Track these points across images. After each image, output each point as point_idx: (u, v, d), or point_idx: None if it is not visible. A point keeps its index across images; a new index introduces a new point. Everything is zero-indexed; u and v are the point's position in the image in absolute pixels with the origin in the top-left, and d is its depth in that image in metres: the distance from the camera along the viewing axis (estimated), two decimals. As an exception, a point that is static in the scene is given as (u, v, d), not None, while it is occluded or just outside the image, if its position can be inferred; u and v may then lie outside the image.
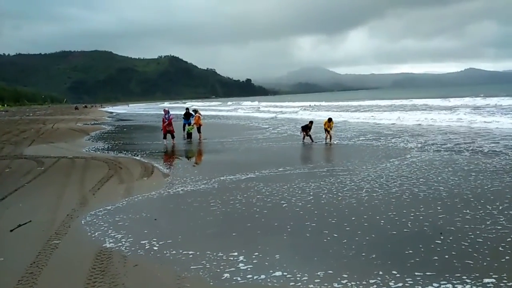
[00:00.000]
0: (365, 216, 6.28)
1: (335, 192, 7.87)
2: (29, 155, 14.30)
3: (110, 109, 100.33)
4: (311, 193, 7.83)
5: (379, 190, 7.87)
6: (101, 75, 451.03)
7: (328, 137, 16.59)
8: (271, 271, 4.46)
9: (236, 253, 4.96)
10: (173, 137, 17.72)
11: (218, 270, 4.53)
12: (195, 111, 20.28)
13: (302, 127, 17.46)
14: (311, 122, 17.45)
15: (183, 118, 20.53)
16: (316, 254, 4.91)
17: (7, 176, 10.58)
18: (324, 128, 16.84)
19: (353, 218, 6.22)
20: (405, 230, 5.64)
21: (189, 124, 19.76)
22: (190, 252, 5.04)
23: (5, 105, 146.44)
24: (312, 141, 16.54)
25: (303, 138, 16.97)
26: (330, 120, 17.11)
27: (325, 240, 5.35)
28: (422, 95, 65.89)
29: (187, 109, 21.60)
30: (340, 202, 7.21)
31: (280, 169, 10.38)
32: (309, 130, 16.87)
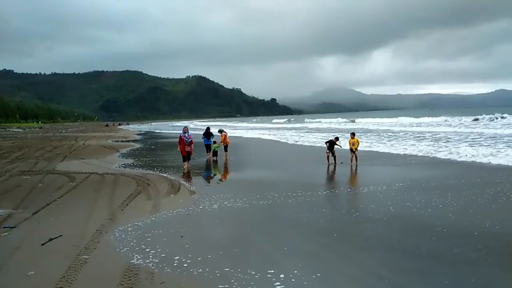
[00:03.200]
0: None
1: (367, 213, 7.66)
2: (61, 171, 14.76)
3: (131, 127, 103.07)
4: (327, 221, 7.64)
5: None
6: (131, 94, 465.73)
7: (354, 157, 15.26)
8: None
9: (266, 272, 4.87)
10: (189, 159, 15.55)
11: (245, 291, 4.45)
12: (221, 130, 20.29)
13: (327, 142, 15.99)
14: (336, 138, 16.06)
15: (203, 138, 19.67)
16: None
17: (40, 191, 10.92)
18: (349, 148, 15.46)
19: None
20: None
21: (210, 144, 19.16)
22: (217, 271, 4.99)
23: (40, 122, 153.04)
24: (336, 162, 15.30)
25: (328, 157, 15.61)
26: (353, 135, 15.80)
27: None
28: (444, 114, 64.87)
29: (207, 128, 20.54)
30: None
31: (304, 192, 10.25)
32: (333, 148, 15.54)
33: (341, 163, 15.37)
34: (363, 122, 62.94)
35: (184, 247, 5.98)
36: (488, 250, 5.54)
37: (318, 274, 4.83)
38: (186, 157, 15.44)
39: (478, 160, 14.90)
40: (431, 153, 17.59)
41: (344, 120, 75.16)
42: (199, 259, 5.47)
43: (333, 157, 15.62)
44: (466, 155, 16.13)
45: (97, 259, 5.63)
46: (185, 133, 15.65)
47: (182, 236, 6.52)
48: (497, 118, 43.99)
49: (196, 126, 78.39)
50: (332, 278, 4.74)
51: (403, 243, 6.00)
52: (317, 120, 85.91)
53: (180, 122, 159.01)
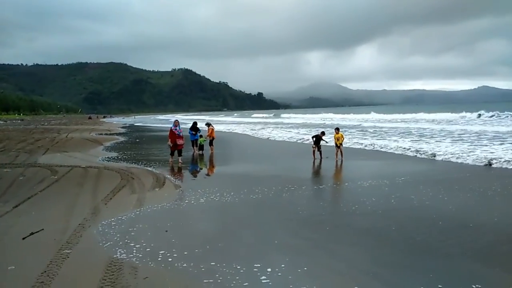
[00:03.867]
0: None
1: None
2: (43, 164, 14.46)
3: (115, 120, 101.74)
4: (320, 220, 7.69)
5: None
6: (115, 86, 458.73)
7: (339, 152, 15.38)
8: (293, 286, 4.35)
9: (252, 266, 4.87)
10: (180, 154, 15.17)
11: (232, 284, 4.44)
12: (208, 124, 20.19)
13: (313, 137, 16.04)
14: (323, 133, 16.10)
15: (190, 132, 19.00)
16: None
17: (21, 184, 10.68)
18: (334, 143, 15.65)
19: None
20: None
21: (197, 139, 18.89)
22: (202, 265, 4.97)
23: (21, 114, 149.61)
24: (321, 157, 15.36)
25: (313, 152, 15.66)
26: (337, 130, 15.81)
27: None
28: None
29: (194, 123, 19.86)
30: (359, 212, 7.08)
31: (291, 187, 10.29)
32: (319, 143, 15.61)
33: (326, 157, 15.46)
34: (348, 118, 63.43)
35: (169, 242, 5.92)
36: (469, 244, 5.66)
37: (305, 268, 4.84)
38: (177, 152, 15.07)
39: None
40: (413, 149, 17.81)
41: (320, 115, 75.61)
42: (184, 253, 5.43)
43: (319, 152, 15.72)
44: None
45: (80, 253, 5.53)
46: (176, 126, 15.30)
47: (166, 231, 6.46)
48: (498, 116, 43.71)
49: (179, 120, 77.66)
50: (318, 273, 4.77)
51: (388, 237, 6.07)
52: (297, 115, 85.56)
53: (164, 115, 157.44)
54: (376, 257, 5.25)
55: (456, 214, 7.23)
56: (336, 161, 14.93)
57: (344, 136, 16.45)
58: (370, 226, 6.65)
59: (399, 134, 27.12)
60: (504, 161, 12.84)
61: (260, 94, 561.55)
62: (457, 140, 20.84)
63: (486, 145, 17.82)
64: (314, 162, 14.95)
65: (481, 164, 13.09)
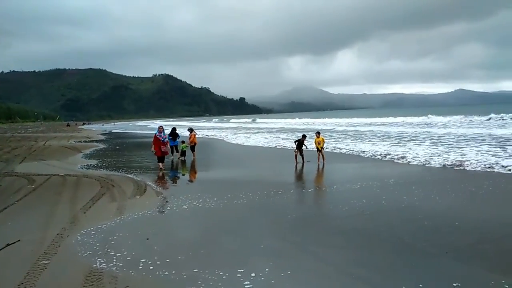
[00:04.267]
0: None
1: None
2: (20, 173, 14.07)
3: (94, 127, 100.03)
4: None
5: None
6: (95, 92, 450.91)
7: (320, 156, 15.49)
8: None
9: (236, 272, 4.84)
10: (163, 161, 14.90)
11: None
12: (190, 129, 20.12)
13: (296, 141, 16.16)
14: (304, 136, 16.24)
15: (168, 138, 17.93)
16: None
17: (-4, 194, 10.36)
18: (315, 147, 15.71)
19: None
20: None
21: (177, 145, 18.97)
22: (184, 273, 4.91)
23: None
24: (304, 161, 15.48)
25: (296, 156, 15.75)
26: (318, 134, 15.89)
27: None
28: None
29: (173, 129, 20.01)
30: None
31: (272, 191, 10.31)
32: (302, 147, 15.73)
33: (308, 161, 15.58)
34: (329, 122, 64.14)
35: (151, 250, 5.84)
36: (450, 244, 5.78)
37: (289, 272, 4.85)
38: (160, 158, 14.84)
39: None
40: (393, 153, 18.10)
41: (302, 120, 76.06)
42: (166, 261, 5.36)
43: (301, 156, 15.82)
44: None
45: (58, 264, 5.39)
46: (160, 132, 15.07)
47: (148, 238, 6.36)
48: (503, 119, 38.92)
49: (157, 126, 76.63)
50: (302, 276, 4.78)
51: (372, 238, 6.14)
52: (278, 120, 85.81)
53: (144, 121, 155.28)
54: (360, 259, 5.30)
55: (441, 215, 7.37)
56: (318, 164, 15.05)
57: (324, 140, 16.61)
58: (353, 228, 6.71)
59: (379, 137, 27.58)
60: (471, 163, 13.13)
61: (242, 99, 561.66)
62: (436, 143, 21.33)
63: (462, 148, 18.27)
64: (296, 166, 15.03)
65: (449, 167, 13.23)
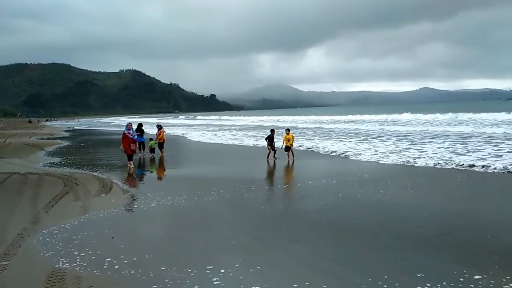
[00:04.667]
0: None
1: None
2: (-24, 171, 13.34)
3: (58, 124, 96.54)
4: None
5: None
6: (58, 88, 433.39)
7: (290, 153, 15.51)
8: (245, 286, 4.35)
9: (205, 269, 4.80)
10: (131, 158, 14.41)
11: (181, 289, 4.35)
12: (159, 126, 19.76)
13: (267, 138, 16.16)
14: (272, 131, 16.28)
15: (137, 135, 17.47)
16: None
17: (-50, 194, 9.78)
18: (284, 144, 15.64)
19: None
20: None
21: (144, 142, 18.62)
22: (151, 271, 4.82)
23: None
24: (275, 157, 15.48)
25: (268, 154, 15.81)
26: (288, 131, 15.86)
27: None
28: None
29: (140, 125, 19.65)
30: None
31: (237, 189, 10.30)
32: (273, 142, 15.73)
33: (278, 158, 15.64)
34: (300, 120, 64.82)
35: (116, 249, 5.69)
36: (412, 237, 6.00)
37: (258, 267, 4.86)
38: (130, 156, 14.38)
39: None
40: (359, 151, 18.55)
41: (272, 117, 76.13)
42: (133, 259, 5.24)
43: (273, 152, 15.85)
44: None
45: (18, 265, 5.16)
46: (129, 129, 14.61)
47: (113, 237, 6.20)
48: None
49: (122, 123, 74.51)
50: (271, 271, 4.80)
51: (339, 233, 6.27)
52: (247, 117, 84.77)
53: (109, 118, 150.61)
54: (328, 253, 5.39)
55: (409, 208, 7.62)
56: (288, 161, 15.16)
57: (294, 136, 16.77)
58: (323, 223, 6.83)
59: (348, 134, 28.16)
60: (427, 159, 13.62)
61: (213, 96, 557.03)
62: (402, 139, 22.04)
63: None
64: (268, 163, 15.09)
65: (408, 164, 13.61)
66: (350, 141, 22.01)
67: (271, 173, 13.30)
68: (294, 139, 16.60)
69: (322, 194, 8.94)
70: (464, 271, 4.59)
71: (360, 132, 29.53)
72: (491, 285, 4.24)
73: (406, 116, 51.57)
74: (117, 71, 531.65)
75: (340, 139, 23.63)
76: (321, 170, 13.24)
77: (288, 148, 15.66)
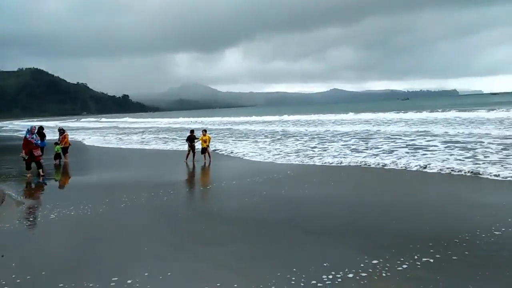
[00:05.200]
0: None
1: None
2: None
3: None
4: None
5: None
6: None
7: (207, 154, 15.36)
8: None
9: (110, 281, 4.47)
10: (41, 166, 13.00)
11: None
12: (62, 130, 18.18)
13: (187, 140, 15.94)
14: (192, 131, 16.08)
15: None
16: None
17: None
18: (201, 145, 15.44)
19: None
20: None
21: (44, 147, 17.01)
22: (47, 290, 4.37)
23: None
24: (194, 160, 15.25)
25: (187, 155, 15.53)
26: (205, 132, 15.75)
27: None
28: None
29: (40, 128, 18.30)
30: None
31: (152, 193, 9.95)
32: (193, 142, 15.55)
33: (198, 161, 15.38)
34: (216, 121, 64.80)
35: (7, 267, 5.06)
36: (320, 229, 6.31)
37: (169, 274, 4.69)
38: (36, 164, 12.89)
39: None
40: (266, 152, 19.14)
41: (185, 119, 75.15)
42: (27, 278, 4.71)
43: (193, 153, 15.61)
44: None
45: None
46: (32, 134, 13.14)
47: (3, 255, 5.50)
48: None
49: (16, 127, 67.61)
50: (180, 277, 4.66)
51: (250, 231, 6.36)
52: (158, 119, 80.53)
53: (2, 122, 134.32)
54: (238, 251, 5.41)
55: (315, 202, 8.00)
56: (204, 163, 15.01)
57: (211, 138, 16.68)
58: (235, 222, 6.87)
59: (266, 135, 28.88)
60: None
61: (125, 96, 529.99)
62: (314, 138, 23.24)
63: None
64: (187, 164, 14.81)
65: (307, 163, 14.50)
66: (266, 141, 22.60)
67: (190, 176, 13.05)
68: (211, 140, 16.51)
69: (242, 193, 9.04)
70: (365, 257, 4.95)
71: (277, 132, 30.53)
72: (387, 268, 4.63)
73: (318, 116, 54.60)
74: (15, 69, 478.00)
75: (255, 139, 24.17)
76: (246, 170, 13.31)
77: (204, 150, 15.51)
